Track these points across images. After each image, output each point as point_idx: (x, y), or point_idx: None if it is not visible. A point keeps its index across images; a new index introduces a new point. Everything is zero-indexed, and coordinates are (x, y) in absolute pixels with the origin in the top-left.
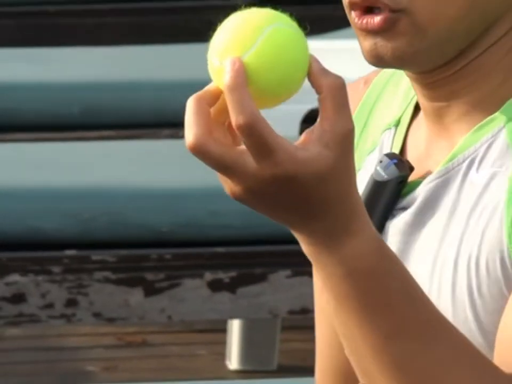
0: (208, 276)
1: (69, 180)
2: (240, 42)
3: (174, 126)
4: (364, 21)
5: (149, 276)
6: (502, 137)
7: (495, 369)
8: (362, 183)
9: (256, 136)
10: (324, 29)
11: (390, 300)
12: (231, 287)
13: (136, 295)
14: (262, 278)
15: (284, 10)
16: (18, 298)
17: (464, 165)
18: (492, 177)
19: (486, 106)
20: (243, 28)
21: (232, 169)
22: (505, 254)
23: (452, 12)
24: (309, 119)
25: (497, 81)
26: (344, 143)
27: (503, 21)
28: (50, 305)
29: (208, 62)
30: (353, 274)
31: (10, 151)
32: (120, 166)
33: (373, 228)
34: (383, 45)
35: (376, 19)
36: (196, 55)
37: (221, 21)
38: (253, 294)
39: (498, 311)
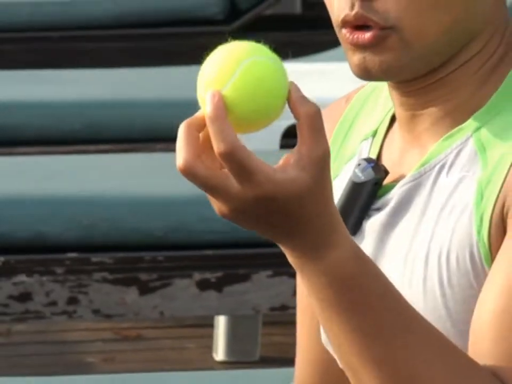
0: (197, 276)
1: (70, 189)
2: (221, 75)
3: (166, 140)
4: (355, 36)
5: (143, 276)
6: (470, 145)
7: (470, 361)
8: (338, 190)
9: (236, 161)
10: (306, 52)
11: (369, 300)
12: (217, 286)
13: (131, 294)
14: (245, 278)
15: (268, 36)
16: (24, 296)
17: (435, 170)
18: (460, 181)
19: (456, 116)
20: (224, 61)
21: (217, 191)
22: (474, 249)
23: (436, 28)
24: (289, 134)
25: (468, 94)
26: (320, 165)
27: (479, 38)
28: (53, 303)
29: (197, 92)
30: (335, 281)
31: (19, 163)
32: (117, 177)
33: (350, 238)
34: (372, 59)
35: (367, 35)
36: (186, 76)
37: (208, 52)
38: (237, 293)
39: (466, 300)
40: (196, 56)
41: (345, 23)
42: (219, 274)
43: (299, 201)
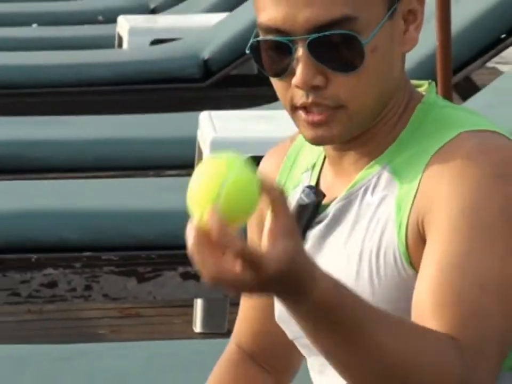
0: (180, 269)
1: (86, 205)
2: (209, 194)
3: (156, 168)
4: (310, 117)
5: (140, 269)
6: (386, 172)
7: (424, 328)
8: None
9: (247, 255)
10: (260, 103)
11: (348, 311)
12: (195, 277)
13: (131, 282)
14: None
15: (233, 90)
16: (52, 284)
17: (361, 191)
18: (383, 198)
19: (373, 153)
20: (210, 181)
21: (242, 284)
22: (397, 252)
23: (371, 100)
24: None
25: (382, 137)
26: (296, 228)
27: (393, 98)
28: (73, 289)
29: (190, 204)
30: (321, 309)
31: (47, 185)
32: (120, 196)
33: (326, 273)
34: (324, 134)
35: (322, 115)
36: (172, 120)
37: (185, 102)
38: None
39: (389, 287)
40: (178, 105)
41: (304, 108)
42: (196, 268)
43: (294, 262)
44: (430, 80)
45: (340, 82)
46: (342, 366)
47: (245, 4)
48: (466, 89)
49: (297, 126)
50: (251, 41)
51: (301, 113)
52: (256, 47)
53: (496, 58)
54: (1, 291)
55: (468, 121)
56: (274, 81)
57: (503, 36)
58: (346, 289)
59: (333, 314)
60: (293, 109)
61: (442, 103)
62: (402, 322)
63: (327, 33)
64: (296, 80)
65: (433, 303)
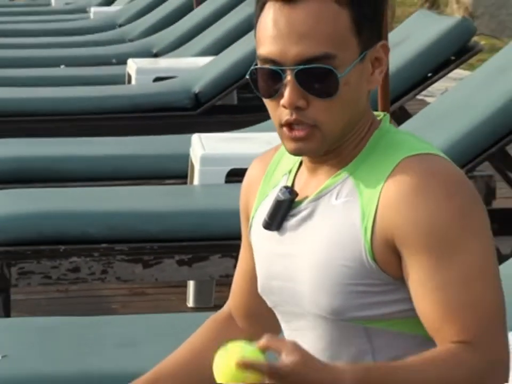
0: (177, 257)
1: (103, 207)
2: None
3: (159, 178)
4: (293, 133)
5: (145, 258)
6: (348, 182)
7: (441, 354)
8: (268, 204)
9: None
10: (240, 127)
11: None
12: (189, 263)
13: (138, 268)
14: (205, 258)
15: (218, 117)
16: (75, 269)
17: (328, 195)
18: (346, 202)
19: (339, 166)
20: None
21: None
22: (362, 249)
23: (341, 124)
24: (232, 174)
25: (347, 153)
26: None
27: (358, 123)
28: (93, 273)
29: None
30: None
31: (73, 192)
32: (130, 199)
33: (348, 368)
34: (303, 147)
35: (302, 132)
36: (168, 141)
37: (178, 130)
38: (200, 267)
39: (355, 273)
40: (175, 129)
41: (285, 124)
42: (189, 256)
43: (309, 367)
44: (385, 112)
45: (318, 106)
46: None
47: (228, 50)
48: (401, 116)
49: (282, 139)
50: (251, 68)
51: (286, 130)
52: (254, 73)
53: (424, 92)
54: (36, 274)
55: (415, 146)
56: (267, 102)
57: (429, 74)
58: (377, 368)
59: None
60: (280, 126)
61: (394, 130)
62: (425, 361)
63: (310, 66)
64: (283, 101)
65: (440, 314)
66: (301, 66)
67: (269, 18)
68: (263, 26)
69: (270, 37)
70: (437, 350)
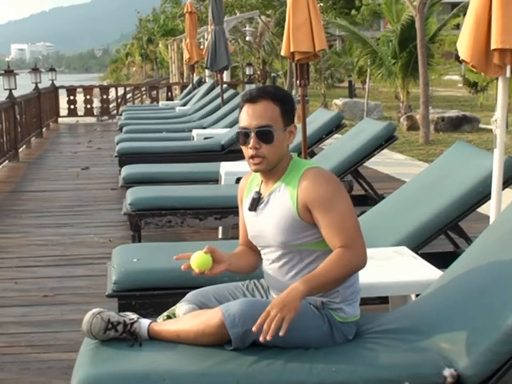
0: (214, 216)
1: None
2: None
3: (205, 182)
4: (254, 161)
5: (201, 216)
6: (283, 185)
7: (336, 258)
8: (248, 201)
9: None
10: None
11: (319, 283)
12: (220, 218)
13: (197, 221)
14: (225, 217)
15: (235, 155)
16: (169, 221)
17: (275, 191)
18: (283, 195)
19: (277, 178)
20: (200, 260)
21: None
22: (292, 210)
23: (276, 158)
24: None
25: (281, 171)
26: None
27: (284, 157)
28: (177, 223)
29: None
30: (311, 291)
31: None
32: (196, 192)
33: (302, 281)
34: (258, 168)
35: (257, 160)
36: (211, 166)
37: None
38: (224, 221)
39: (290, 223)
40: (213, 160)
41: (250, 157)
42: (219, 215)
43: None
44: (298, 152)
45: (265, 148)
46: (327, 289)
47: (235, 126)
48: (311, 155)
49: (249, 165)
50: (236, 132)
51: (250, 160)
52: (238, 135)
53: (325, 142)
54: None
55: (311, 164)
56: (242, 147)
57: (324, 136)
58: (310, 277)
59: (316, 289)
60: (248, 158)
61: (301, 159)
62: (330, 263)
63: (262, 129)
64: (250, 146)
65: (335, 236)
66: (257, 129)
67: (244, 110)
68: (242, 114)
69: (244, 118)
70: (333, 254)
